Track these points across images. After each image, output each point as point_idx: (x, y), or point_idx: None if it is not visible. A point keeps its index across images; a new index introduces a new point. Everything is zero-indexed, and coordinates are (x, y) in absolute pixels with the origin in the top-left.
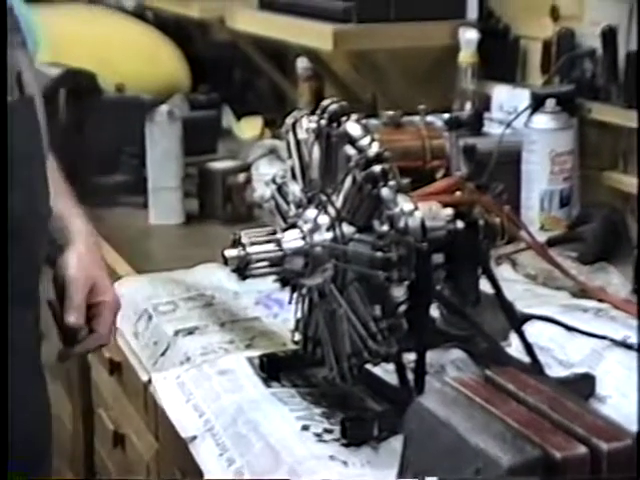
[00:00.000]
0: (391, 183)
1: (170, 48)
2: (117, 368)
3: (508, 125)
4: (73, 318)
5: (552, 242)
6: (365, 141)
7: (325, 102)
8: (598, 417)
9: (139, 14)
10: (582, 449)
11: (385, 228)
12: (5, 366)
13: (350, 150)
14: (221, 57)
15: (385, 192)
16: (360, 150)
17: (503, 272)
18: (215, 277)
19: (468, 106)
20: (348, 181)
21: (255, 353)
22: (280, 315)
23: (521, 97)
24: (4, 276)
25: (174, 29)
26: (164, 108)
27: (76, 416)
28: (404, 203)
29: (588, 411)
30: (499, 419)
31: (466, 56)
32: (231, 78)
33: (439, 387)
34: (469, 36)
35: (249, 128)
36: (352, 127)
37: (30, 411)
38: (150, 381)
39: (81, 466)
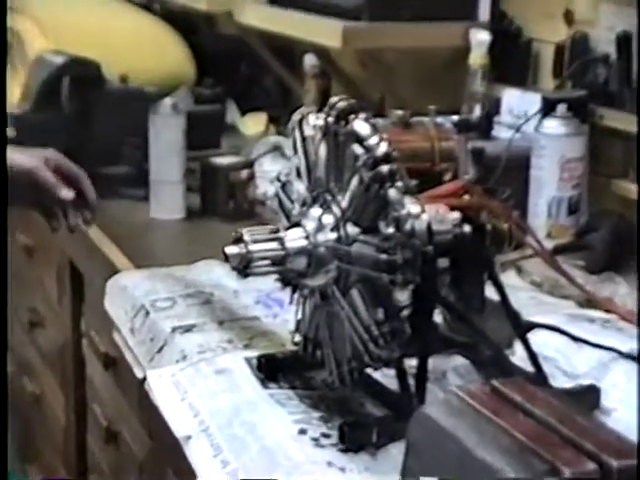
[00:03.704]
0: (398, 184)
1: (176, 40)
2: (112, 363)
3: (518, 129)
4: (65, 191)
5: (559, 250)
6: (373, 140)
7: (333, 99)
8: (608, 432)
9: (146, 5)
10: (591, 465)
11: (391, 230)
12: (4, 365)
13: (358, 149)
14: (228, 51)
15: (392, 193)
16: (368, 149)
17: (508, 279)
18: (215, 274)
19: (477, 109)
20: (354, 181)
21: (253, 353)
22: (280, 315)
23: (532, 101)
24: (4, 276)
25: (181, 21)
26: (168, 101)
27: (69, 410)
28: (411, 205)
29: (598, 426)
30: (506, 432)
31: (477, 58)
32: (237, 73)
33: (444, 397)
34: (480, 38)
35: (253, 124)
36: (360, 126)
37: None
38: (145, 378)
39: (73, 461)
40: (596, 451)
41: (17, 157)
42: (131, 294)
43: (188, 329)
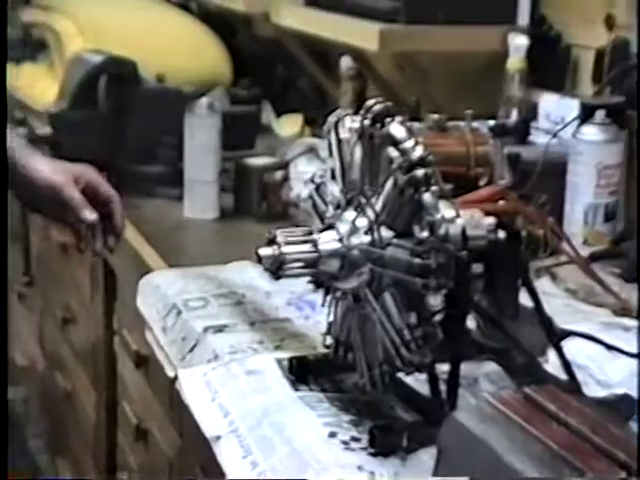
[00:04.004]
0: (433, 188)
1: (213, 41)
2: (143, 362)
3: (555, 135)
4: (88, 213)
5: (595, 257)
6: (409, 144)
7: (369, 102)
8: None
9: (184, 5)
10: (624, 475)
11: (425, 234)
12: (5, 364)
13: (393, 152)
14: (264, 52)
15: (427, 197)
16: (403, 153)
17: (543, 285)
18: (247, 275)
19: (514, 114)
20: (389, 184)
21: (284, 355)
22: (312, 317)
23: (569, 107)
24: (4, 276)
25: (218, 22)
26: (204, 101)
27: (100, 406)
28: (445, 210)
29: (631, 436)
30: (538, 440)
31: (514, 62)
32: (273, 74)
33: (476, 403)
34: (518, 42)
35: (289, 125)
36: (396, 129)
37: None
38: (176, 377)
39: (103, 457)
40: (629, 461)
41: (43, 169)
42: (164, 293)
43: (220, 329)
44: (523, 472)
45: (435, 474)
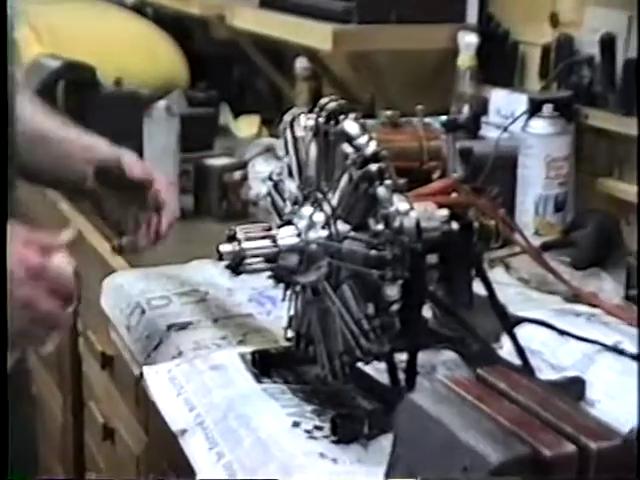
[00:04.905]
0: (387, 182)
1: (169, 44)
2: (109, 362)
3: (505, 129)
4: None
5: (546, 247)
6: (362, 140)
7: (324, 100)
8: (588, 417)
9: (139, 9)
10: (571, 447)
11: (380, 227)
12: (4, 369)
13: (347, 148)
14: (220, 54)
15: (381, 191)
16: (357, 148)
17: (496, 275)
18: (209, 273)
19: (466, 109)
20: (344, 179)
21: (248, 349)
22: (273, 312)
23: (518, 102)
24: (4, 275)
25: (173, 25)
26: (162, 104)
27: (66, 408)
28: (400, 203)
29: (578, 411)
30: (490, 417)
31: (465, 59)
32: (229, 76)
33: (431, 385)
34: (468, 40)
35: (246, 126)
36: (350, 125)
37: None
38: (142, 375)
39: (71, 459)
40: (576, 434)
41: (104, 146)
42: (127, 293)
43: (183, 327)
44: (477, 447)
45: (392, 454)
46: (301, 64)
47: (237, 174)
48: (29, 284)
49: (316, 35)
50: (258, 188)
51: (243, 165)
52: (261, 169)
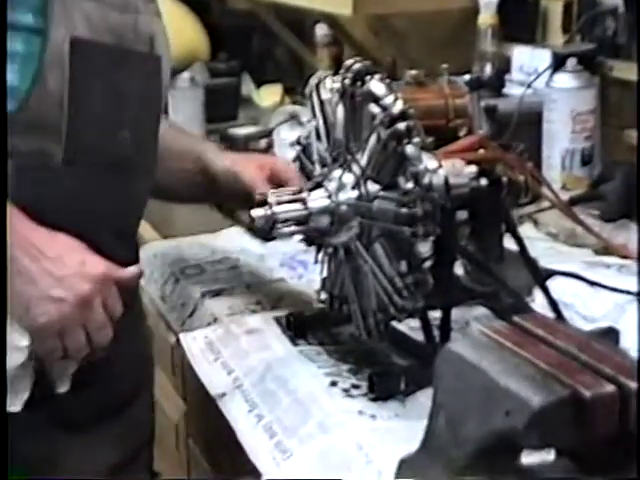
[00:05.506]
0: (415, 140)
1: (189, 17)
2: None
3: (529, 85)
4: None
5: (574, 201)
6: (389, 99)
7: (349, 62)
8: (626, 358)
9: None
10: (611, 387)
11: (410, 185)
12: (4, 363)
13: (374, 108)
14: (240, 25)
15: (409, 149)
16: (384, 108)
17: (525, 231)
18: (239, 241)
19: (488, 68)
20: (372, 139)
21: (282, 313)
22: (305, 276)
23: (542, 57)
24: (4, 275)
25: None
26: (186, 75)
27: None
28: (428, 160)
29: (616, 352)
30: (529, 362)
31: (486, 18)
32: (250, 46)
33: (469, 333)
34: None
35: (269, 95)
36: (376, 86)
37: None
38: (178, 342)
39: None
40: (614, 375)
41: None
42: (160, 263)
43: (217, 293)
44: (518, 392)
45: (433, 403)
46: (321, 30)
47: (262, 142)
48: (76, 311)
49: (335, 0)
50: (284, 155)
51: (268, 133)
52: (286, 136)
